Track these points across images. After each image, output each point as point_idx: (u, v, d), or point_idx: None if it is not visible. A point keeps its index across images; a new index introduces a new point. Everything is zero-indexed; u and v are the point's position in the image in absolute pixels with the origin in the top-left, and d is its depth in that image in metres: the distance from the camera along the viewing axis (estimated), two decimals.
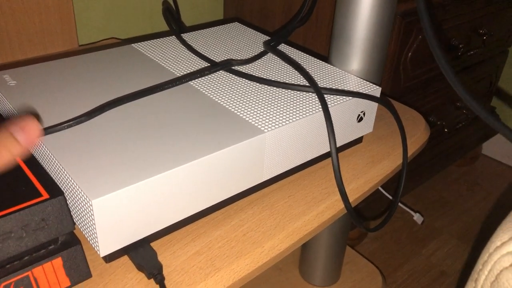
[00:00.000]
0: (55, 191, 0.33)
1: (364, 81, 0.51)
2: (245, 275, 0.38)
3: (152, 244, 0.38)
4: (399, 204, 0.95)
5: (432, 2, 0.83)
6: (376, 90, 0.49)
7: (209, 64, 0.52)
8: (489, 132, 1.30)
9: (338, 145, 0.49)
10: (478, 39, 1.01)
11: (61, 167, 0.35)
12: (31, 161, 0.36)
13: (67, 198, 0.34)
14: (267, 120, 0.42)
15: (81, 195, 0.33)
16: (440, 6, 0.85)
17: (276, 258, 0.40)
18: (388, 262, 1.10)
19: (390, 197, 0.83)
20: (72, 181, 0.33)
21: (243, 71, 0.51)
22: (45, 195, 0.32)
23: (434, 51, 0.31)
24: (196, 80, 0.48)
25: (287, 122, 0.42)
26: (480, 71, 1.11)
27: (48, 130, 0.38)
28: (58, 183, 0.36)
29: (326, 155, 0.49)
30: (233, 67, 0.51)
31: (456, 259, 1.12)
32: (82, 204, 0.33)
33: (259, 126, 0.41)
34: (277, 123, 0.42)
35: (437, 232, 1.19)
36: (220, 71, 0.50)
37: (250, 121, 0.42)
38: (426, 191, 1.33)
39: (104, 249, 0.34)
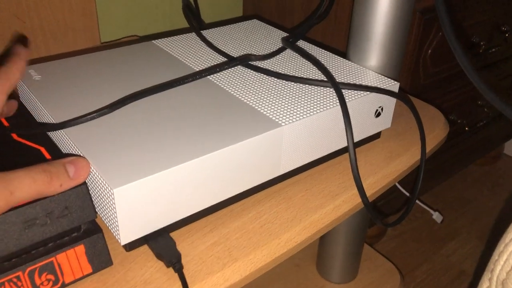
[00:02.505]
0: None
1: (382, 76, 0.51)
2: (262, 266, 0.38)
3: (171, 234, 0.39)
4: (418, 202, 0.95)
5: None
6: (394, 86, 0.49)
7: (227, 60, 0.52)
8: None
9: (356, 140, 0.49)
10: (500, 36, 0.99)
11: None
12: (55, 151, 0.37)
13: (89, 187, 0.35)
14: (284, 114, 0.42)
15: (102, 184, 0.34)
16: (460, 2, 0.84)
17: (292, 250, 0.41)
18: (407, 261, 1.09)
19: (408, 194, 0.83)
20: (94, 170, 0.34)
21: (261, 66, 0.51)
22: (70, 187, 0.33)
23: (451, 43, 0.31)
24: (215, 75, 0.49)
25: (304, 116, 0.42)
26: (503, 68, 1.09)
27: (72, 122, 0.39)
28: None
29: (344, 150, 0.49)
30: (251, 63, 0.51)
31: (476, 259, 1.10)
32: (104, 193, 0.34)
33: (277, 120, 0.41)
34: (294, 117, 0.42)
35: (457, 232, 1.18)
36: (239, 67, 0.51)
37: (268, 114, 0.42)
38: (446, 190, 1.32)
39: (125, 238, 0.35)
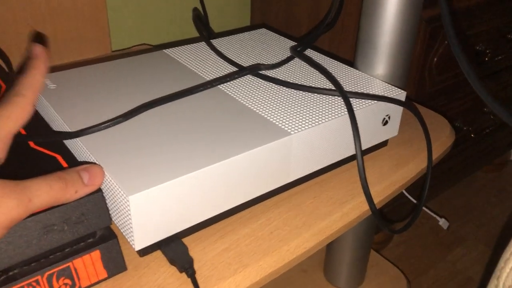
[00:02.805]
0: None
1: (389, 85, 0.52)
2: (272, 272, 0.39)
3: (183, 240, 0.40)
4: (425, 209, 0.95)
5: (457, 8, 0.83)
6: (401, 94, 0.50)
7: (237, 69, 0.53)
8: None
9: (363, 148, 0.50)
10: (506, 44, 1.00)
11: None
12: (71, 159, 0.38)
13: (104, 195, 0.36)
14: (293, 123, 0.43)
15: (118, 192, 0.35)
16: (466, 11, 0.85)
17: (301, 256, 0.41)
18: (413, 267, 1.09)
19: (415, 201, 0.84)
20: (110, 178, 0.35)
21: (270, 75, 0.52)
22: (85, 194, 0.34)
23: (456, 53, 0.32)
24: (225, 84, 0.50)
25: (313, 124, 0.43)
26: (509, 77, 1.10)
27: (87, 130, 0.40)
28: None
29: (352, 158, 0.50)
30: (260, 72, 0.52)
31: (483, 266, 1.11)
32: (119, 200, 0.35)
33: (286, 128, 0.42)
34: (303, 125, 0.43)
35: (464, 238, 1.18)
36: (248, 76, 0.52)
37: (277, 123, 0.43)
38: (452, 197, 1.32)
39: (139, 244, 0.36)
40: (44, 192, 0.31)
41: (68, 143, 0.42)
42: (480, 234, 1.20)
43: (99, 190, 0.35)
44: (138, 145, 0.39)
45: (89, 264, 0.35)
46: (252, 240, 0.41)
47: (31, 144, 0.40)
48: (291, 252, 0.40)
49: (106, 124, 0.40)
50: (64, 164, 0.37)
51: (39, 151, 0.39)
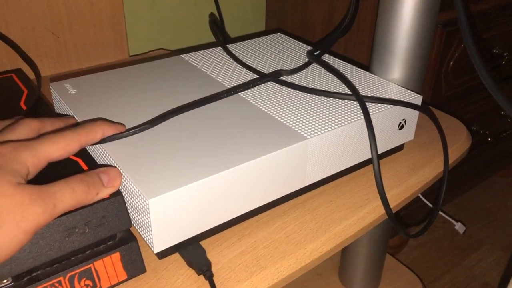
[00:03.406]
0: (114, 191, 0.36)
1: (405, 89, 0.52)
2: (289, 275, 0.39)
3: (200, 243, 0.40)
4: (441, 213, 0.95)
5: (474, 11, 0.83)
6: (417, 99, 0.50)
7: (254, 74, 0.54)
8: None
9: (379, 152, 0.50)
10: None
11: (120, 169, 0.37)
12: (91, 162, 0.39)
13: (125, 198, 0.37)
14: (310, 127, 0.44)
15: (138, 195, 0.35)
16: (483, 14, 0.84)
17: (318, 260, 0.42)
18: (429, 272, 1.09)
19: (431, 205, 0.83)
20: (130, 182, 0.36)
21: (287, 80, 0.53)
22: (106, 195, 0.35)
23: (473, 58, 0.32)
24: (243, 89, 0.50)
25: (329, 129, 0.44)
26: None
27: (116, 136, 0.40)
28: None
29: (368, 162, 0.50)
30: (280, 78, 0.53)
31: (500, 271, 1.09)
32: (139, 203, 0.36)
33: (302, 133, 0.43)
34: (319, 130, 0.43)
35: (480, 243, 1.17)
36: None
37: (294, 128, 0.43)
38: (469, 201, 1.31)
39: (158, 246, 0.37)
40: (67, 196, 0.32)
41: (89, 147, 0.43)
42: (496, 239, 1.18)
43: (120, 193, 0.35)
44: (158, 149, 0.40)
45: (109, 266, 0.35)
46: (269, 243, 0.41)
47: None
48: (307, 256, 0.41)
49: (133, 131, 0.41)
50: (85, 168, 0.38)
51: None
